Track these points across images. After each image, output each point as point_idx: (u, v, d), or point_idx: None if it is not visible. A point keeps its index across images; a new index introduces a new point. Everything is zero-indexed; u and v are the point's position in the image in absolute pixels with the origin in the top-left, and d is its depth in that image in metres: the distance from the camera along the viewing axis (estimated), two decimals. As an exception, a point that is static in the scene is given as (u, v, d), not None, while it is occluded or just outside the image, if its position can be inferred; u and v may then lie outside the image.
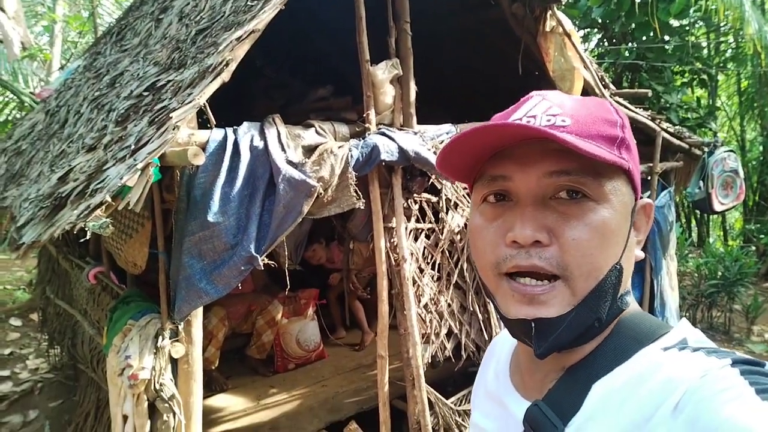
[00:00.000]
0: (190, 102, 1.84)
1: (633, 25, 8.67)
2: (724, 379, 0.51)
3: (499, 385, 0.78)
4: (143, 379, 2.28)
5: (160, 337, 2.35)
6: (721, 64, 10.73)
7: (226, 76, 2.28)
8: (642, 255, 0.68)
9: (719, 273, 6.31)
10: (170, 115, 1.81)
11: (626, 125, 0.65)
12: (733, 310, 6.42)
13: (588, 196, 0.60)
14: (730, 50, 10.64)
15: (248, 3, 2.30)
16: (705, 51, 10.42)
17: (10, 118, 7.71)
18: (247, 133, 2.52)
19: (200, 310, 2.47)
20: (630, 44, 9.17)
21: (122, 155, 1.87)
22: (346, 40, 2.99)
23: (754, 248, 9.44)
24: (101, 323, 2.96)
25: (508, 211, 0.63)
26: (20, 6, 7.61)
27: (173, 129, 1.78)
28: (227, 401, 3.54)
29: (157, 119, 1.90)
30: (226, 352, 4.01)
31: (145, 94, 2.34)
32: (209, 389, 3.61)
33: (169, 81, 2.24)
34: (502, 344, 0.85)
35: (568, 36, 3.42)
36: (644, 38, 8.91)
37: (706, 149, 4.35)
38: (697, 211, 10.51)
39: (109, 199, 1.75)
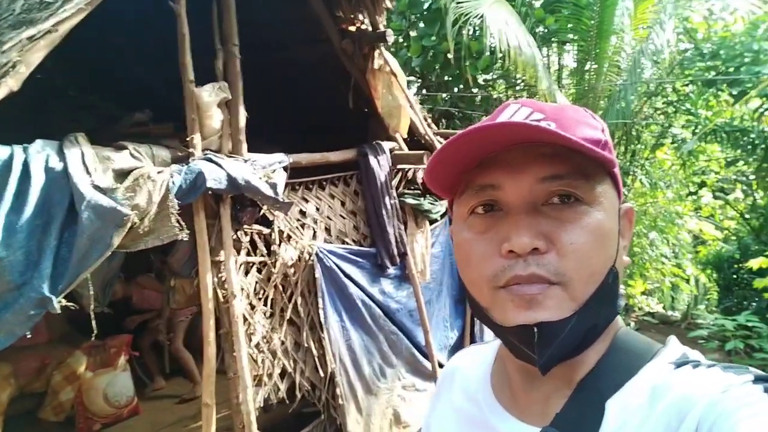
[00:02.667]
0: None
1: (447, 77, 9.55)
2: (746, 395, 0.50)
3: (480, 409, 0.70)
4: None
5: None
6: (519, 116, 12.30)
7: (14, 83, 1.93)
8: (629, 260, 0.67)
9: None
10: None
11: (606, 129, 0.64)
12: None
13: (580, 200, 0.58)
14: (525, 105, 12.28)
15: (45, 0, 1.98)
16: (505, 104, 11.88)
17: None
18: (41, 152, 2.14)
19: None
20: (445, 93, 10.08)
21: None
22: (169, 62, 2.76)
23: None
24: None
25: (499, 221, 0.60)
26: None
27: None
28: (8, 480, 2.89)
29: None
30: (12, 417, 3.31)
31: None
32: (-16, 468, 2.93)
33: (-68, 83, 1.81)
34: (466, 365, 0.79)
35: (395, 75, 3.59)
36: (456, 89, 9.88)
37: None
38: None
39: None
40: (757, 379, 0.52)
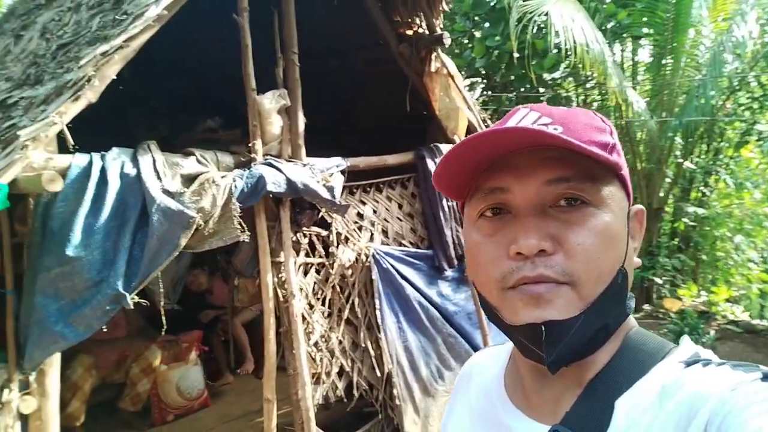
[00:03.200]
0: (44, 120, 1.64)
1: (512, 77, 9.38)
2: (756, 393, 0.50)
3: (494, 407, 0.72)
4: (-20, 441, 1.94)
5: (6, 390, 2.03)
6: (589, 115, 11.86)
7: (92, 96, 2.09)
8: (639, 262, 0.67)
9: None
10: (18, 133, 1.59)
11: (614, 132, 0.65)
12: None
13: (587, 202, 0.59)
14: (595, 103, 11.83)
15: (117, 18, 2.15)
16: (574, 103, 11.50)
17: None
18: (116, 159, 2.32)
19: (57, 358, 2.17)
20: (510, 93, 9.90)
21: (-43, 179, 1.61)
22: (235, 71, 2.92)
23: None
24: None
25: (508, 224, 0.61)
26: None
27: (21, 149, 1.57)
28: (91, 463, 3.13)
29: (2, 138, 1.68)
30: (94, 406, 3.58)
31: (-7, 111, 2.08)
32: (71, 450, 3.18)
33: (22, 97, 2.01)
34: (482, 365, 0.81)
35: (452, 77, 3.58)
36: (522, 89, 9.67)
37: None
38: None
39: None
40: (766, 377, 0.52)
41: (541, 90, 9.82)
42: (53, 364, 2.15)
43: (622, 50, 11.38)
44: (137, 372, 3.52)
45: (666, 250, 9.89)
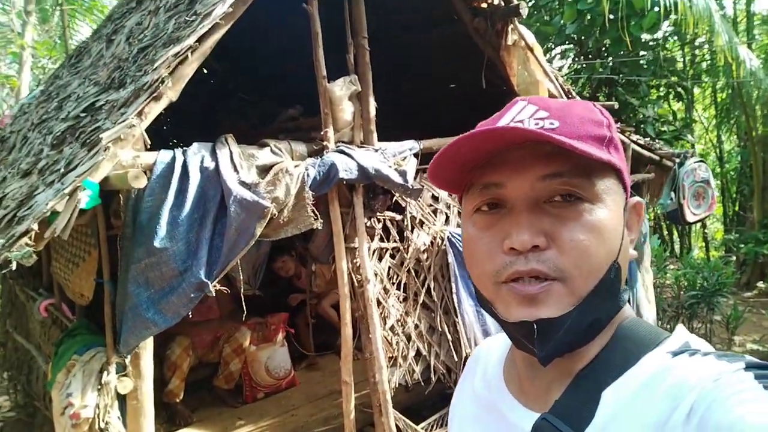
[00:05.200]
0: (123, 122, 1.75)
1: (607, 41, 8.75)
2: (739, 382, 0.51)
3: (492, 393, 0.75)
4: (86, 417, 2.15)
5: (105, 372, 2.22)
6: (696, 77, 10.86)
7: (173, 94, 2.20)
8: (636, 254, 0.69)
9: (698, 284, 6.26)
10: (100, 136, 1.71)
11: (612, 125, 0.65)
12: (713, 321, 6.35)
13: (582, 198, 0.60)
14: (704, 63, 10.79)
15: (186, 19, 2.23)
16: (680, 64, 10.55)
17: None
18: (197, 153, 2.43)
19: (150, 342, 2.35)
20: (605, 59, 9.25)
21: (51, 180, 1.76)
22: (312, 58, 2.96)
23: (734, 258, 9.45)
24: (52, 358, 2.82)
25: (502, 218, 0.63)
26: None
27: (104, 150, 1.68)
28: (191, 436, 3.38)
29: (88, 141, 1.81)
30: (193, 383, 3.85)
31: (83, 115, 2.25)
32: (173, 423, 3.45)
33: (107, 101, 2.15)
34: (488, 351, 0.83)
35: (531, 50, 3.39)
36: (619, 53, 8.99)
37: (676, 160, 4.33)
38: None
39: (35, 227, 1.65)
40: (749, 367, 0.53)
41: (641, 53, 9.08)
42: (147, 348, 2.33)
43: (735, 1, 10.24)
44: (229, 352, 3.74)
45: (786, 222, 8.93)
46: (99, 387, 2.19)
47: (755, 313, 7.27)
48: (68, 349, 2.40)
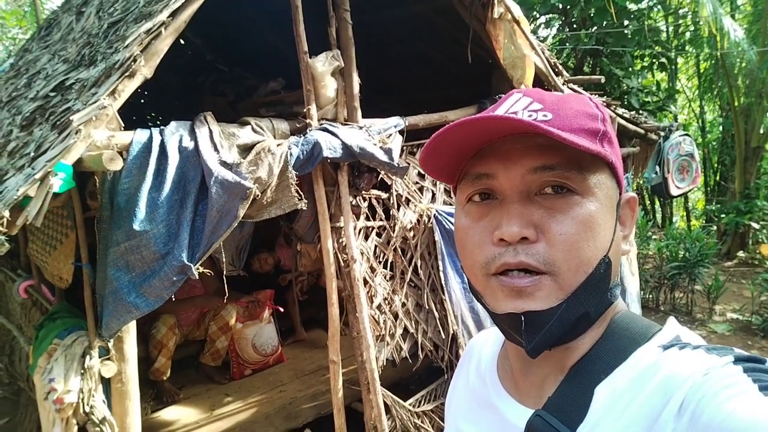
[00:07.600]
0: (95, 102, 1.67)
1: (592, 10, 8.66)
2: (727, 376, 0.52)
3: (486, 388, 0.75)
4: (70, 402, 2.12)
5: (88, 357, 2.19)
6: (680, 47, 10.84)
7: (147, 72, 2.11)
8: (629, 249, 0.68)
9: (680, 254, 6.37)
10: (71, 118, 1.63)
11: (607, 119, 0.64)
12: (695, 291, 6.49)
13: (573, 191, 0.60)
14: (688, 33, 10.76)
15: (160, -8, 2.13)
16: (664, 34, 10.50)
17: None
18: (175, 133, 2.35)
19: (133, 325, 2.31)
20: (590, 29, 9.17)
21: (21, 164, 1.69)
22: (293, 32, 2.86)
23: (715, 228, 9.60)
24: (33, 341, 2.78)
25: (494, 209, 0.63)
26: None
27: (75, 133, 1.61)
28: (179, 413, 3.38)
29: (59, 123, 1.73)
30: (179, 360, 3.85)
31: (52, 94, 2.15)
32: (160, 401, 3.45)
33: (77, 80, 2.06)
34: (482, 345, 0.83)
35: (518, 23, 3.32)
36: (603, 23, 8.91)
37: (661, 134, 4.33)
38: (661, 193, 10.65)
39: (6, 214, 1.59)
40: (737, 360, 0.54)
41: (625, 23, 9.01)
42: (130, 331, 2.29)
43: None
44: (215, 330, 3.73)
45: (766, 191, 9.07)
46: (82, 371, 2.15)
47: (735, 283, 7.44)
48: (49, 333, 2.35)
